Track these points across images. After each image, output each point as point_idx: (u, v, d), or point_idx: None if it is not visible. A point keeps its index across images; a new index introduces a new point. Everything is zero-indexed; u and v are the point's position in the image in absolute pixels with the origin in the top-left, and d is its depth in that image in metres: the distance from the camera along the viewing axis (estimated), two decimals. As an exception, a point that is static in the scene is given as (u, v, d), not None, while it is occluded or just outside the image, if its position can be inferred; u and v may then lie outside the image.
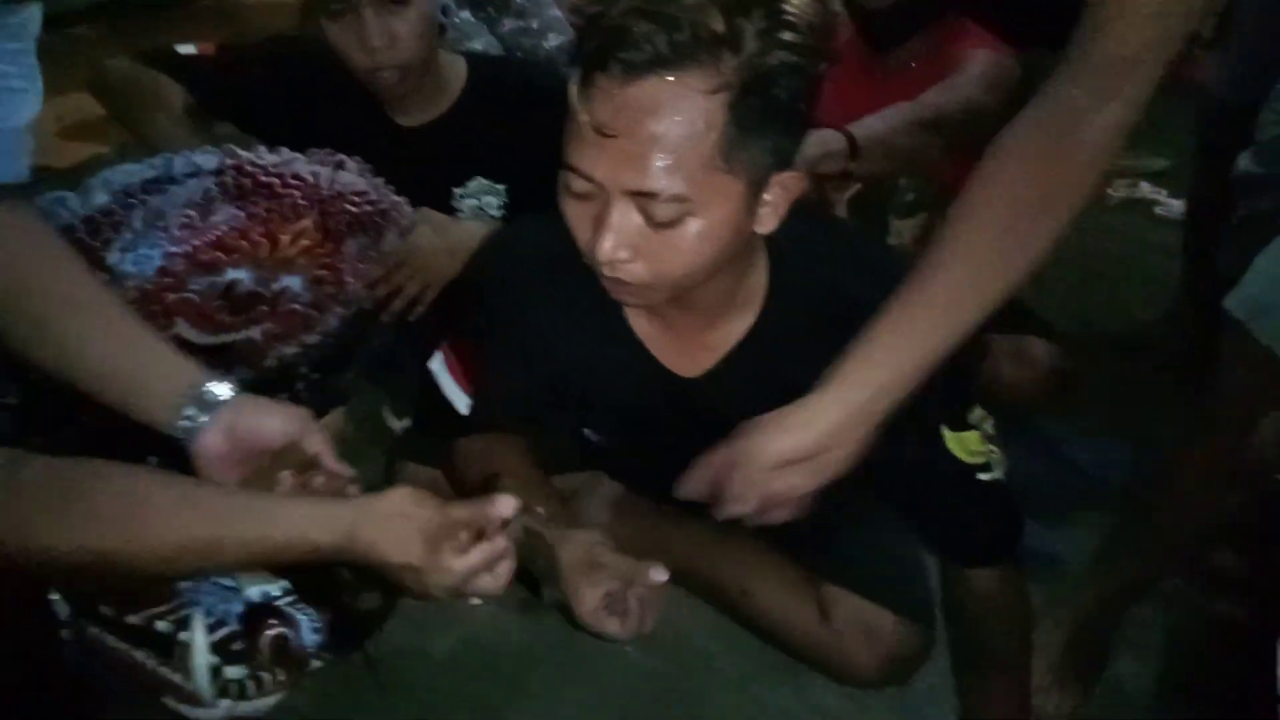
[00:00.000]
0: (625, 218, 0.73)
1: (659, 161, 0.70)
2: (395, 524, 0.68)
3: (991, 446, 0.91)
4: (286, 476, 0.77)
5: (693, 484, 0.76)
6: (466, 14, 1.72)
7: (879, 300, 0.83)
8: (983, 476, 0.90)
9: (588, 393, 0.98)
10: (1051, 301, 1.62)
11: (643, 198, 0.72)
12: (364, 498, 0.72)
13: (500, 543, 0.70)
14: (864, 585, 1.12)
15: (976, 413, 0.90)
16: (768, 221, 0.79)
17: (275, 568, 0.72)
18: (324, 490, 0.78)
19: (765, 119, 0.71)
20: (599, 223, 0.74)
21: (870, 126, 1.27)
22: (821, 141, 1.22)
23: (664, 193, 0.71)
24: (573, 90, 0.70)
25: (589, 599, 0.84)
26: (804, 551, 1.17)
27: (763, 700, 1.17)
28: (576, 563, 0.87)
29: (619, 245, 0.74)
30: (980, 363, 1.41)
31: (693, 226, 0.73)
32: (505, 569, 0.71)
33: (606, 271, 0.77)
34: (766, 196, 0.77)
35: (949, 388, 0.89)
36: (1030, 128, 0.70)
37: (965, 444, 0.89)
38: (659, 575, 0.83)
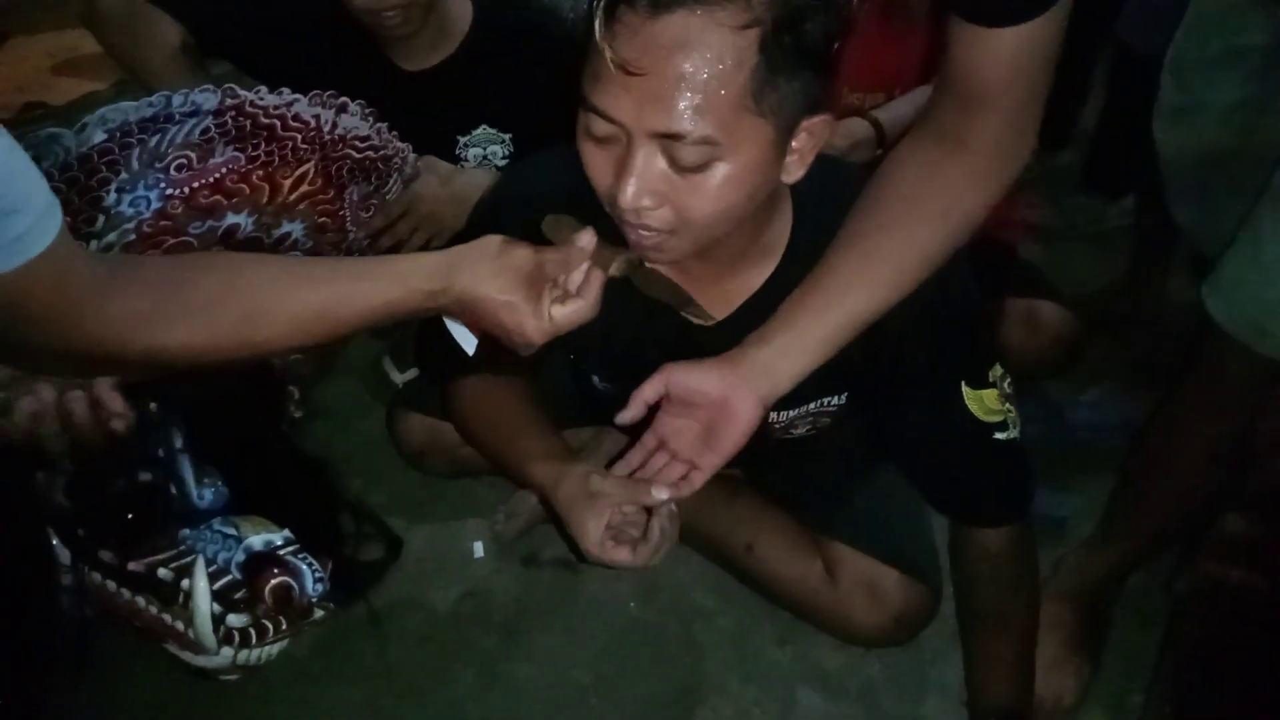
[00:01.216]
0: (649, 162, 0.69)
1: (687, 101, 0.66)
2: (493, 263, 0.71)
3: (1009, 406, 0.89)
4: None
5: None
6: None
7: None
8: (999, 435, 0.88)
9: (599, 338, 0.97)
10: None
11: (669, 140, 0.68)
12: (458, 246, 0.73)
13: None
14: (870, 544, 1.12)
15: (996, 370, 0.89)
16: (794, 171, 0.76)
17: (386, 323, 0.73)
18: None
19: (797, 58, 0.68)
20: (621, 168, 0.70)
21: (898, 111, 1.24)
22: (849, 132, 1.19)
23: (691, 134, 0.67)
24: (596, 26, 0.66)
25: (592, 530, 0.82)
26: (810, 509, 1.17)
27: (762, 656, 1.18)
28: (574, 496, 0.85)
29: (642, 191, 0.70)
30: (997, 325, 1.40)
31: (720, 171, 0.70)
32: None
33: (630, 219, 0.73)
34: (794, 144, 0.74)
35: (970, 345, 0.88)
36: (915, 151, 0.77)
37: (984, 401, 0.88)
38: (661, 493, 0.81)
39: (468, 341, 0.98)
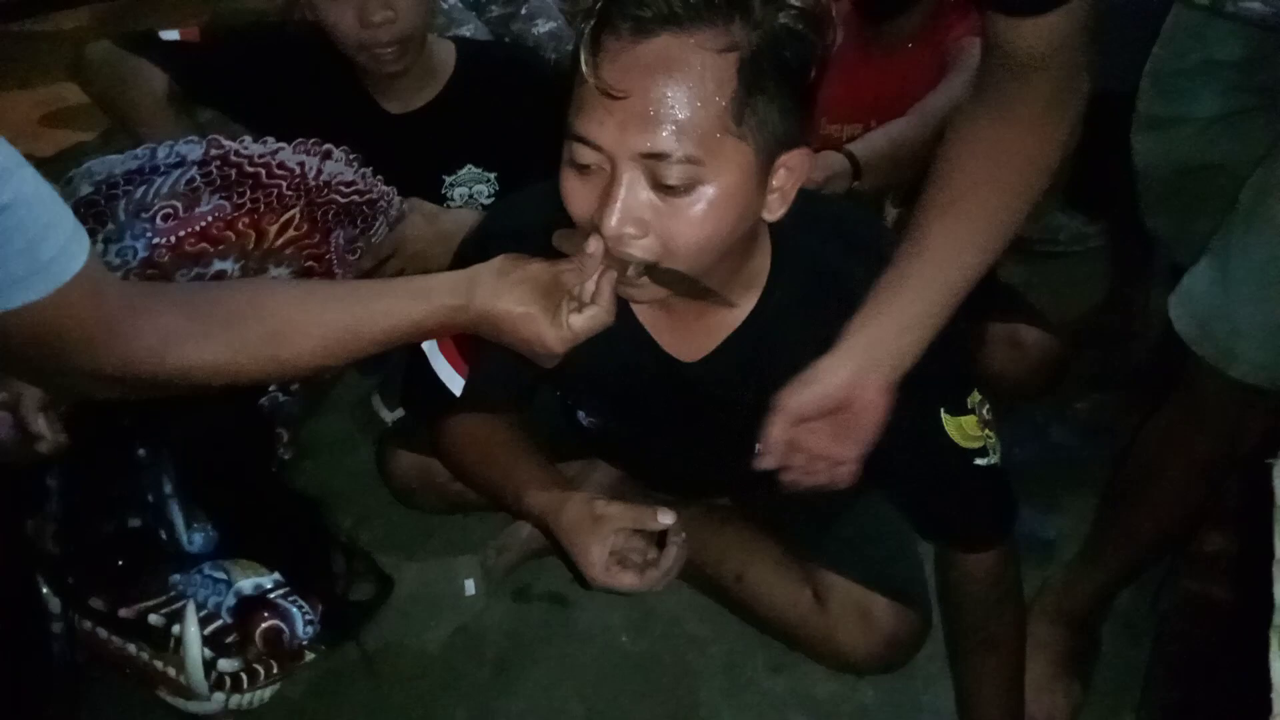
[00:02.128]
0: (633, 189, 0.70)
1: (670, 120, 0.67)
2: (509, 277, 0.74)
3: (989, 432, 0.90)
4: None
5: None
6: (455, 0, 1.70)
7: (870, 284, 0.82)
8: (980, 461, 0.89)
9: (584, 374, 0.97)
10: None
11: (653, 160, 0.68)
12: (475, 264, 0.76)
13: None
14: (860, 571, 1.12)
15: (975, 397, 0.90)
16: (776, 208, 0.78)
17: (410, 340, 0.76)
18: None
19: (774, 83, 0.70)
20: (605, 196, 0.71)
21: (874, 144, 1.26)
22: (825, 165, 1.21)
23: (675, 153, 0.68)
24: (582, 52, 0.68)
25: (597, 555, 0.82)
26: (799, 537, 1.18)
27: (754, 685, 1.18)
28: (577, 522, 0.84)
29: (626, 219, 0.70)
30: (978, 350, 1.41)
31: (704, 195, 0.70)
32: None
33: (613, 248, 0.72)
34: (774, 181, 0.76)
35: (948, 371, 0.89)
36: (979, 112, 0.76)
37: (963, 428, 0.88)
38: (666, 518, 0.81)
39: (454, 381, 0.99)
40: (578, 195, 0.74)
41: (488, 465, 0.99)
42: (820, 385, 0.76)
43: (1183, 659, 0.90)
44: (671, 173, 0.69)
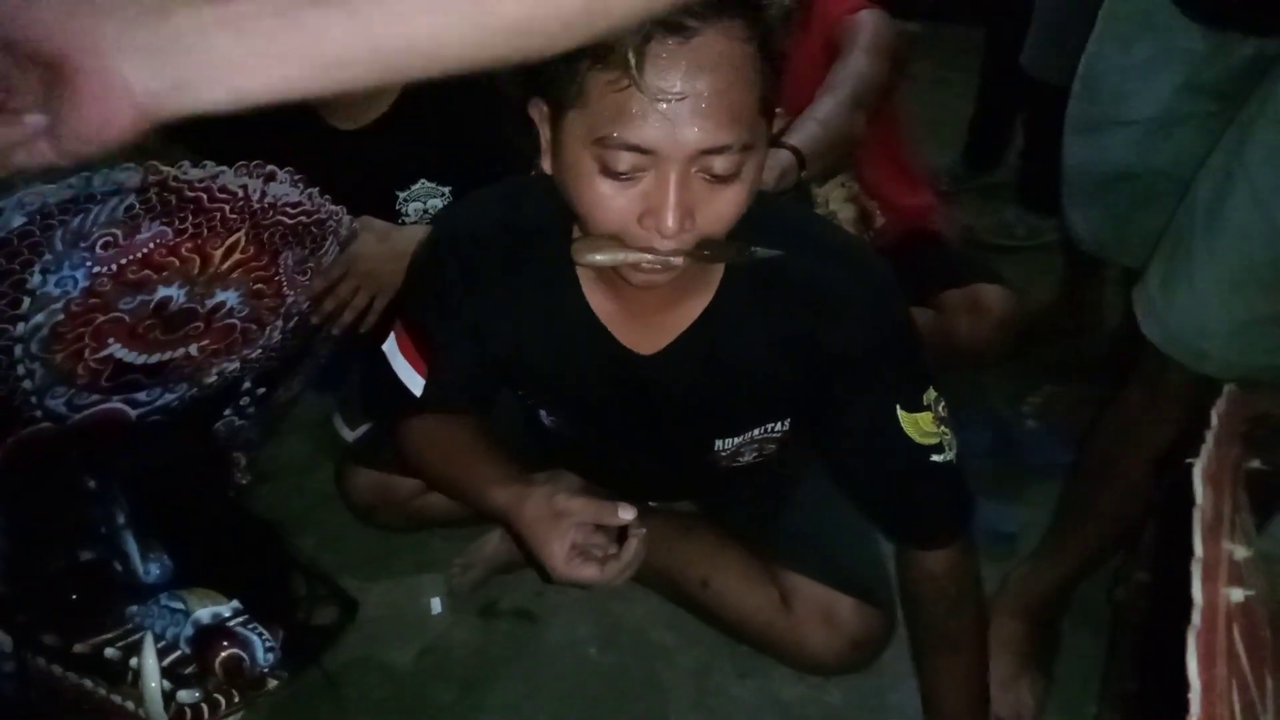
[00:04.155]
0: (684, 183, 0.71)
1: (726, 113, 0.69)
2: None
3: (944, 429, 0.91)
4: None
5: None
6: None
7: (823, 280, 0.86)
8: (936, 458, 0.90)
9: (543, 371, 0.97)
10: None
11: (709, 155, 0.70)
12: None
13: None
14: (823, 572, 1.12)
15: (930, 394, 0.90)
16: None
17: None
18: None
19: (777, 64, 0.73)
20: (656, 198, 0.71)
21: (809, 132, 1.27)
22: (775, 164, 1.23)
23: (735, 143, 0.70)
24: (630, 63, 0.67)
25: (558, 549, 0.82)
26: (763, 540, 1.18)
27: (723, 693, 1.18)
28: (538, 516, 0.85)
29: (683, 215, 0.71)
30: (935, 320, 1.42)
31: (744, 177, 0.74)
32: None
33: (662, 247, 0.73)
34: None
35: (903, 368, 0.89)
36: None
37: (919, 425, 0.89)
38: (626, 513, 0.82)
39: (414, 382, 0.98)
40: (613, 204, 0.73)
41: (449, 464, 0.99)
42: None
43: (1137, 649, 0.91)
44: (724, 163, 0.71)
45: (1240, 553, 0.43)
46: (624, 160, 0.71)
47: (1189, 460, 0.48)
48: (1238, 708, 0.40)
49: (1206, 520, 0.43)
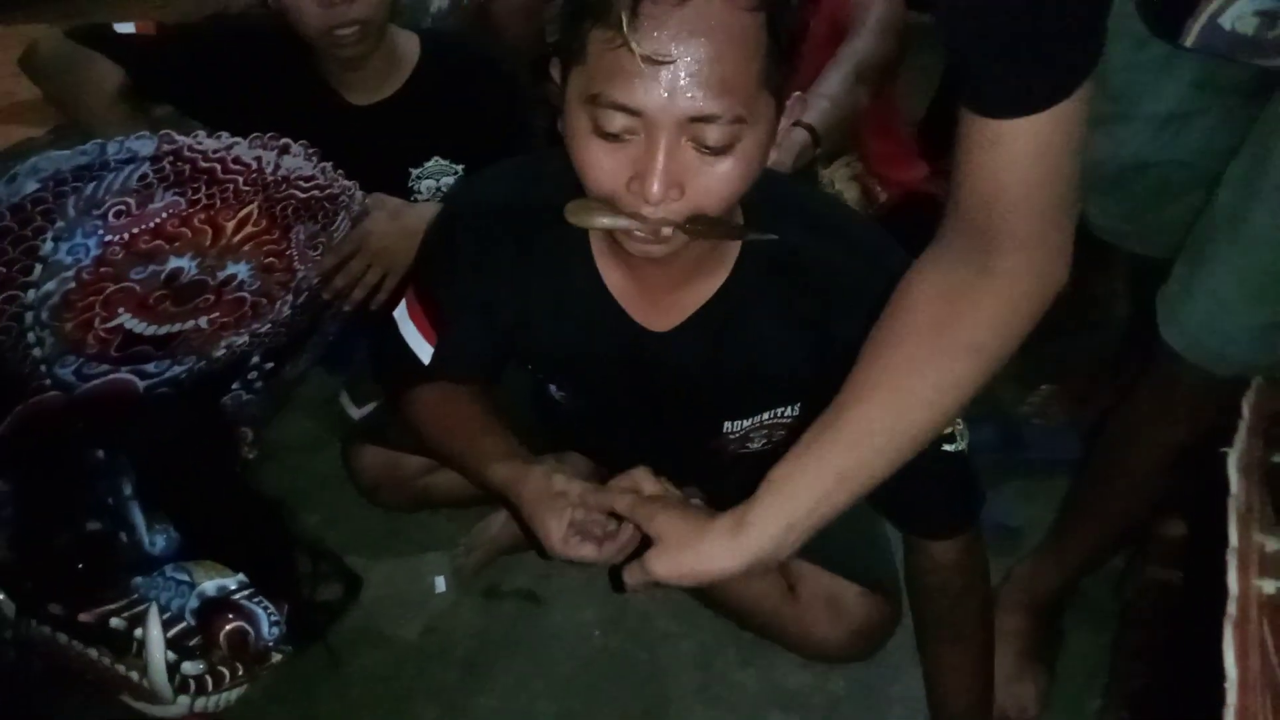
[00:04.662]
0: (673, 151, 0.70)
1: (718, 83, 0.67)
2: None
3: (956, 418, 0.91)
4: None
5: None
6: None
7: (838, 268, 0.85)
8: (947, 447, 0.89)
9: (554, 344, 0.97)
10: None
11: (699, 124, 0.69)
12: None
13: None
14: (829, 559, 1.12)
15: None
16: (773, 153, 0.78)
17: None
18: None
19: (790, 38, 0.71)
20: (644, 162, 0.70)
21: (821, 109, 1.27)
22: (793, 145, 1.22)
23: (726, 114, 0.68)
24: (623, 20, 0.66)
25: (555, 528, 0.82)
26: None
27: (726, 678, 1.18)
28: (537, 494, 0.85)
29: (670, 183, 0.70)
30: None
31: (740, 150, 0.71)
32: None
33: (650, 214, 0.72)
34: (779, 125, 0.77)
35: None
36: (935, 273, 0.69)
37: None
38: (621, 501, 0.81)
39: (423, 349, 0.98)
40: (604, 165, 0.72)
41: (453, 436, 0.98)
42: (694, 568, 0.72)
43: (1146, 646, 0.91)
44: (716, 134, 0.69)
45: (1272, 544, 0.43)
46: (614, 120, 0.70)
47: (1223, 450, 0.48)
48: (1269, 701, 0.39)
49: (1240, 511, 0.43)
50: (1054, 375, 1.56)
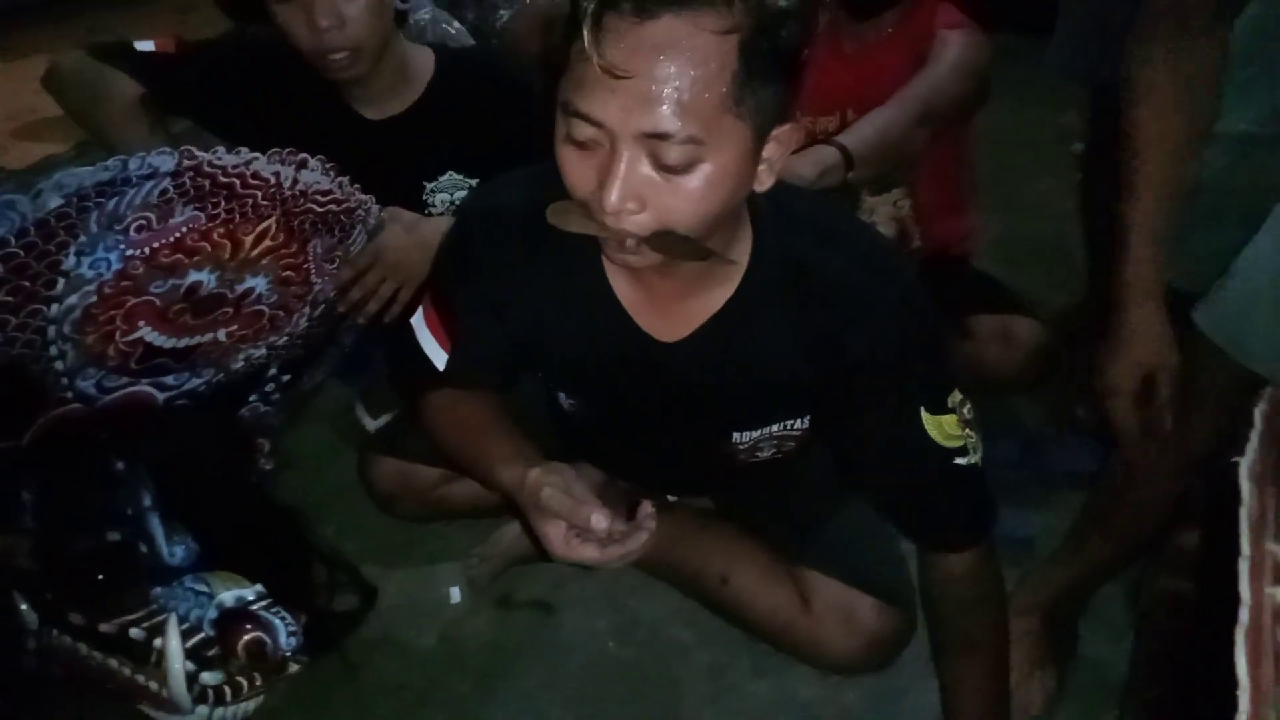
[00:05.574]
0: (634, 165, 0.71)
1: (673, 102, 0.68)
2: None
3: (969, 431, 0.90)
4: None
5: None
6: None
7: (850, 281, 0.85)
8: (960, 461, 0.90)
9: (564, 352, 0.98)
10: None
11: (655, 140, 0.69)
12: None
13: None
14: (843, 570, 1.12)
15: (955, 396, 0.90)
16: (765, 179, 0.78)
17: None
18: None
19: (771, 64, 0.71)
20: (605, 172, 0.72)
21: (862, 134, 1.25)
22: (819, 160, 1.21)
23: (679, 134, 0.69)
24: (584, 31, 0.68)
25: (552, 533, 0.83)
26: (783, 538, 1.18)
27: (739, 689, 1.18)
28: (532, 502, 0.85)
29: (626, 195, 0.71)
30: (963, 344, 1.41)
31: (702, 172, 0.72)
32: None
33: (610, 224, 0.73)
34: (764, 153, 0.76)
35: (928, 370, 0.89)
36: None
37: (943, 428, 0.89)
38: (600, 523, 0.79)
39: (438, 355, 0.99)
40: (576, 170, 0.74)
41: (464, 439, 0.99)
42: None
43: (1162, 656, 0.90)
44: (673, 152, 0.70)
45: (1284, 554, 0.43)
46: (582, 129, 0.71)
47: (1234, 459, 0.48)
48: (1281, 709, 0.39)
49: (1253, 519, 0.43)
50: (1076, 397, 1.55)
